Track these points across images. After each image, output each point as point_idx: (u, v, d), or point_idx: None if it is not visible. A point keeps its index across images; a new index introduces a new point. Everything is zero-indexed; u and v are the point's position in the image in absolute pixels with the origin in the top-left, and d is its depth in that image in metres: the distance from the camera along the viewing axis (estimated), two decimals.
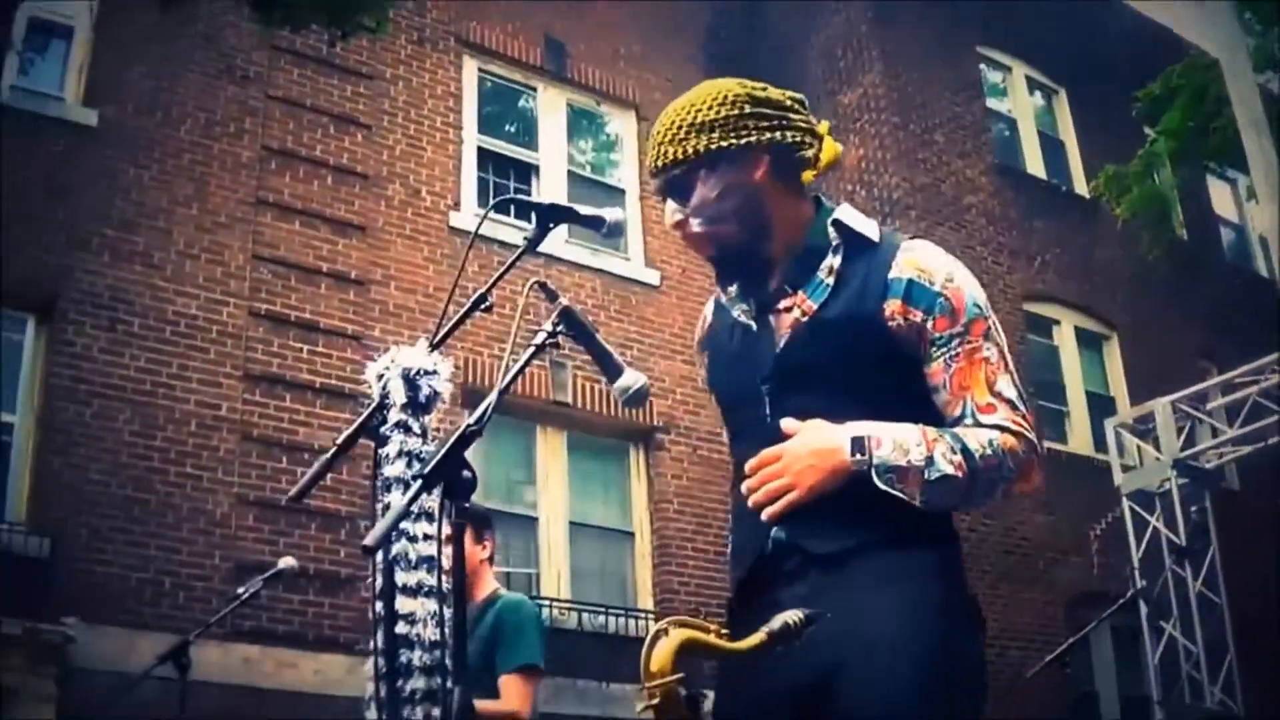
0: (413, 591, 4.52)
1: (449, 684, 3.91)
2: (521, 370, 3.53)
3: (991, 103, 23.41)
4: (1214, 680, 16.84)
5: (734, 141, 3.61)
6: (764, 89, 3.71)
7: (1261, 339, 18.34)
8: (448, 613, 4.00)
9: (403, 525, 4.27)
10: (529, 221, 3.90)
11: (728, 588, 3.82)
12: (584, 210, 3.85)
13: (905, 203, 20.58)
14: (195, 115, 15.71)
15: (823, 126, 3.81)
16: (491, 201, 16.50)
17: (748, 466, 3.48)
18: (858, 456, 3.34)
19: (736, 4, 21.62)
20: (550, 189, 18.25)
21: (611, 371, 3.68)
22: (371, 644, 4.48)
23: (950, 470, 3.34)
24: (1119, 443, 18.58)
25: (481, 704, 5.57)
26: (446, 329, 4.10)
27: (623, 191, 19.05)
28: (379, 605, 4.41)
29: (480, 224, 4.48)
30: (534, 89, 19.31)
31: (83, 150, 14.82)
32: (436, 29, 18.23)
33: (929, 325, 3.50)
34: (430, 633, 4.45)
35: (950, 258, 3.70)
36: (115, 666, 12.98)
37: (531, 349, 3.60)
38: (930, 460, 3.34)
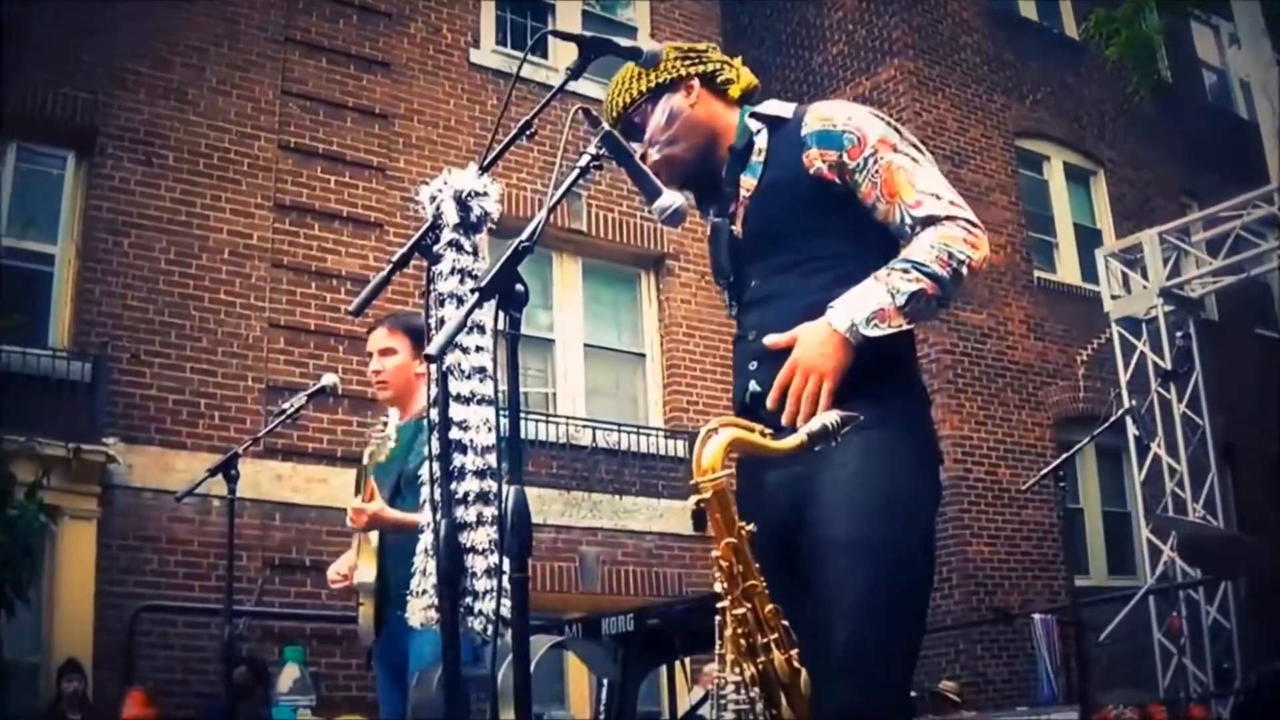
0: (466, 399, 4.51)
1: (500, 485, 3.93)
2: (569, 190, 3.62)
3: None
4: (1196, 497, 16.86)
5: (666, 76, 4.07)
6: (683, 44, 4.19)
7: (1240, 177, 18.24)
8: (501, 419, 4.00)
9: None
10: (545, 59, 3.97)
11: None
12: (623, 42, 3.88)
13: (903, 42, 20.34)
14: None
15: (737, 61, 4.22)
16: (529, 42, 16.10)
17: (772, 396, 3.62)
18: (846, 324, 3.57)
19: None
20: (566, 26, 17.97)
21: (651, 192, 3.69)
22: (427, 449, 4.42)
23: (914, 287, 3.59)
24: (1107, 271, 18.38)
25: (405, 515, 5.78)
26: (495, 153, 4.14)
27: (635, 29, 18.73)
28: (433, 413, 4.32)
29: (521, 63, 4.45)
30: None
31: None
32: None
33: (845, 158, 3.83)
34: (482, 438, 4.44)
35: (847, 103, 4.06)
36: (153, 484, 13.07)
37: (576, 170, 3.64)
38: (895, 291, 3.59)
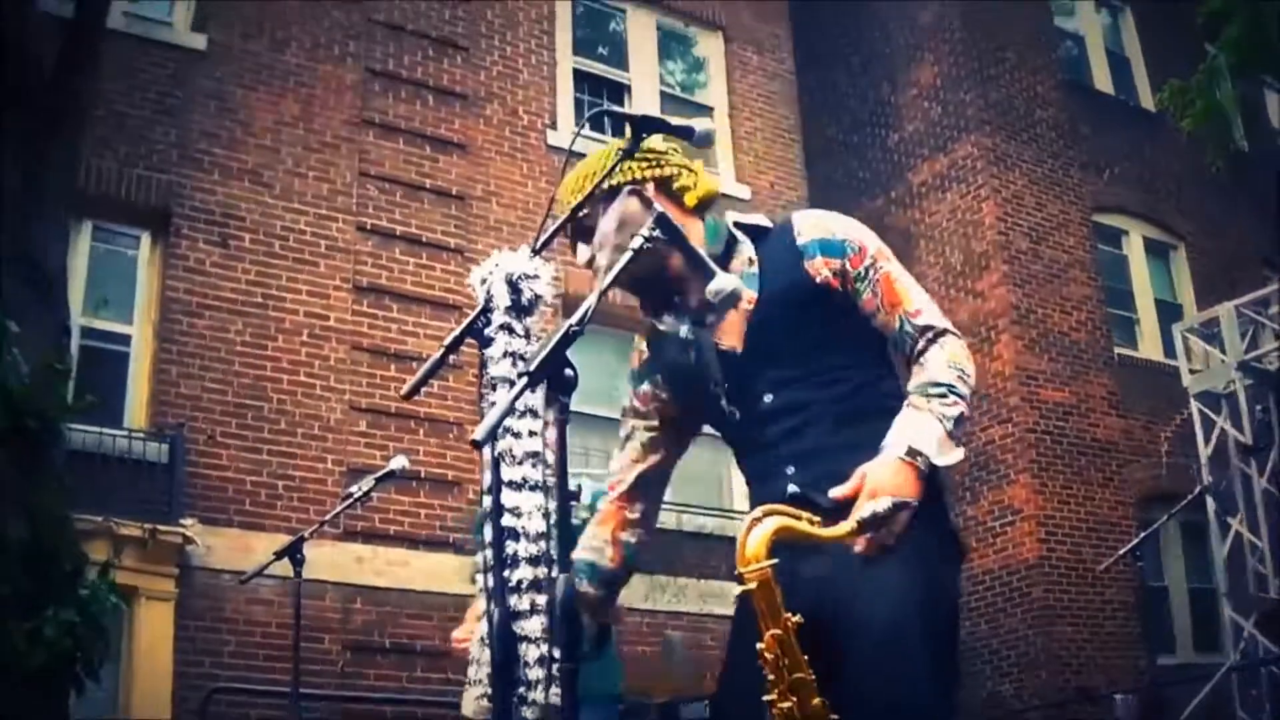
0: (518, 485, 4.38)
1: (553, 572, 3.77)
2: (621, 273, 3.52)
3: (1059, 21, 22.95)
4: (1278, 573, 16.52)
5: (620, 178, 3.96)
6: (647, 145, 4.01)
7: None
8: (552, 505, 4.08)
9: (508, 422, 4.17)
10: (619, 135, 3.95)
11: None
12: (675, 121, 3.86)
13: (979, 118, 20.22)
14: (300, 39, 15.58)
15: (698, 165, 4.13)
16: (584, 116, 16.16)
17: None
18: (916, 455, 3.54)
19: None
20: (643, 108, 17.93)
21: (705, 274, 3.61)
22: (481, 537, 4.30)
23: (956, 411, 3.65)
24: (1186, 346, 18.16)
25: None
26: (546, 236, 4.07)
27: (711, 109, 18.68)
28: (487, 500, 4.19)
29: (575, 137, 4.43)
30: (623, 11, 19.02)
31: (192, 73, 14.72)
32: None
33: (847, 266, 3.85)
34: (535, 525, 4.30)
35: (831, 213, 4.08)
36: (231, 566, 12.99)
37: (629, 253, 3.54)
38: (944, 418, 3.62)
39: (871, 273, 3.84)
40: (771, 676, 3.04)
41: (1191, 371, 18.15)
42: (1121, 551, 11.07)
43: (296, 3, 15.67)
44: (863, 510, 3.14)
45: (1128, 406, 19.83)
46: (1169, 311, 21.30)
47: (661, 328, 4.07)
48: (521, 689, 4.13)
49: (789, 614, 3.02)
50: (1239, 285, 19.85)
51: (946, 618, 3.66)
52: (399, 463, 7.90)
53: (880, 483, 3.44)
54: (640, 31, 18.93)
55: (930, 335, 3.79)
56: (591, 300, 3.30)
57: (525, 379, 3.29)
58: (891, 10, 21.95)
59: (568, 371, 3.26)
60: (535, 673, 4.15)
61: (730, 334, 3.91)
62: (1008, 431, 18.32)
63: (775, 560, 3.00)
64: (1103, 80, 22.84)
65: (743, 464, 4.04)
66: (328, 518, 8.69)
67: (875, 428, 3.67)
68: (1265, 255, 22.17)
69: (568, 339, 3.26)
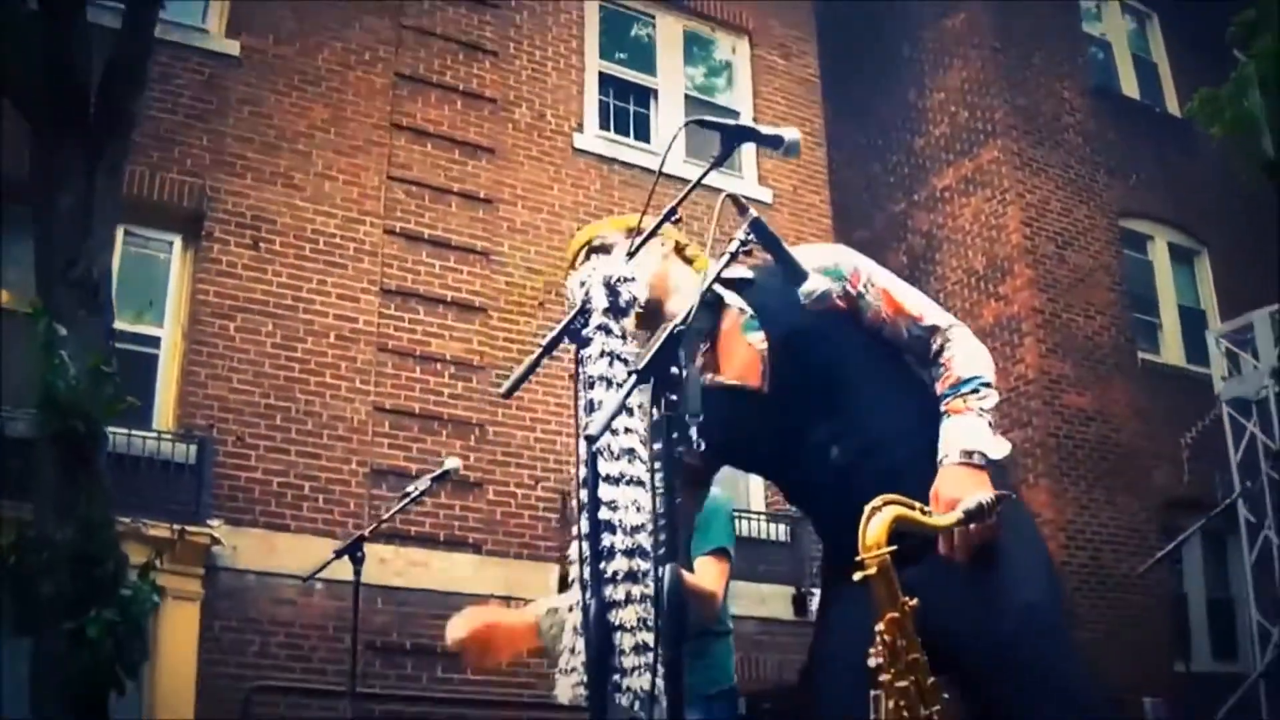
0: (615, 480, 4.50)
1: (649, 565, 4.14)
2: (718, 276, 3.69)
3: (1086, 27, 22.94)
4: None
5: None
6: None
7: None
8: (647, 499, 4.15)
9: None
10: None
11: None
12: (765, 130, 3.85)
13: (1006, 123, 20.29)
14: (331, 44, 15.66)
15: (695, 248, 4.45)
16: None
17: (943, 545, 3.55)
18: (972, 456, 3.64)
19: None
20: (668, 112, 18.10)
21: (797, 276, 3.76)
22: (575, 529, 4.44)
23: (991, 401, 3.76)
24: (1218, 352, 18.19)
25: (684, 576, 5.71)
26: (641, 239, 4.13)
27: (737, 113, 18.65)
28: (583, 493, 4.33)
29: (668, 151, 4.70)
30: (651, 16, 19.04)
31: (226, 78, 14.83)
32: None
33: (848, 287, 3.96)
34: (631, 518, 4.43)
35: (811, 245, 4.51)
36: (257, 567, 13.12)
37: (726, 256, 3.70)
38: (982, 412, 3.73)
39: (870, 288, 3.95)
40: (885, 659, 3.13)
41: (1223, 378, 18.17)
42: (1159, 555, 11.16)
43: (328, 8, 15.73)
44: (968, 502, 3.26)
45: (1150, 412, 19.87)
46: (1192, 317, 21.38)
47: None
48: (616, 676, 4.26)
49: (906, 598, 3.13)
50: (1263, 292, 19.89)
51: (1059, 594, 3.91)
52: (453, 464, 8.00)
53: (954, 494, 3.51)
54: (667, 35, 18.97)
55: (940, 334, 3.91)
56: (695, 301, 3.41)
57: (635, 376, 3.39)
58: (919, 15, 21.99)
59: (674, 370, 3.38)
60: (630, 660, 4.28)
61: (744, 372, 4.04)
62: (1028, 436, 18.37)
63: (894, 547, 3.09)
64: (1129, 86, 22.87)
65: (817, 524, 4.20)
66: (386, 517, 8.71)
67: (926, 428, 3.82)
68: None
69: (674, 338, 3.37)
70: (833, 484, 3.94)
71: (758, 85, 19.35)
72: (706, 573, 5.95)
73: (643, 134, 17.95)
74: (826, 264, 3.96)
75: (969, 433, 3.68)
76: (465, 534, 14.64)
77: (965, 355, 3.84)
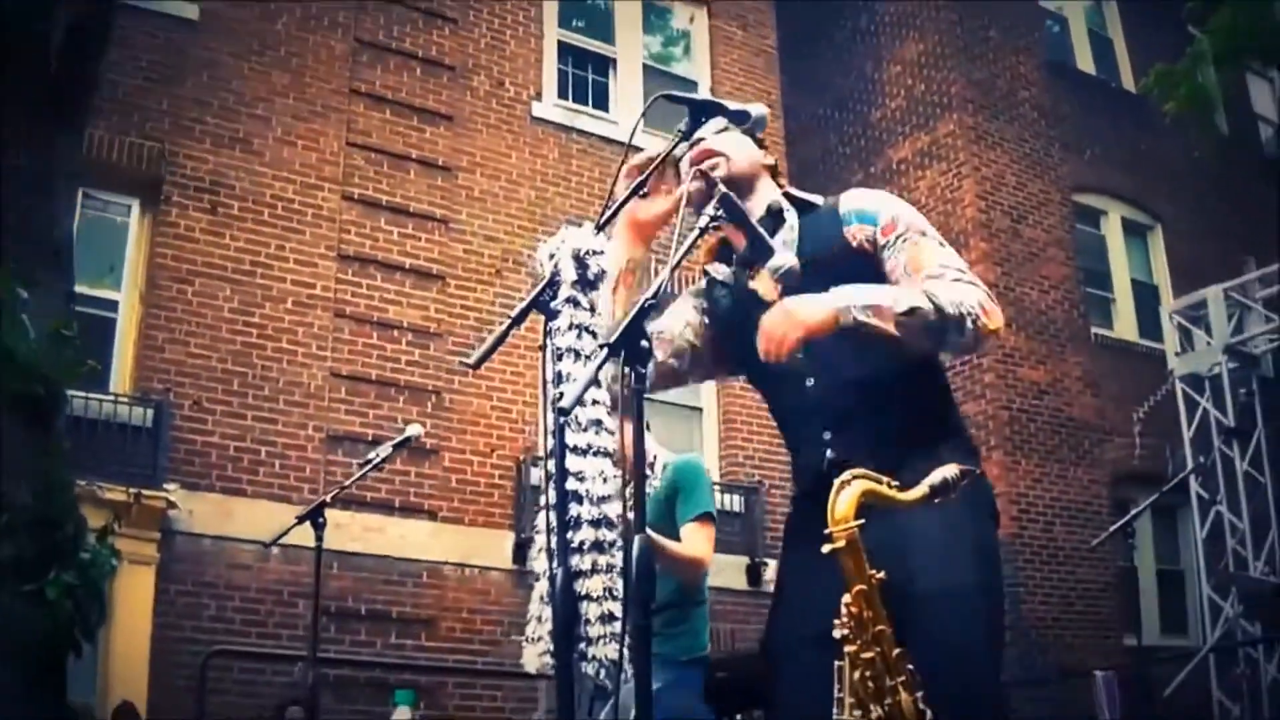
0: (582, 451, 4.56)
1: (615, 535, 4.21)
2: (689, 250, 3.67)
3: (1044, 2, 23.08)
4: (1258, 554, 16.77)
5: (758, 133, 4.32)
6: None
7: None
8: (613, 470, 4.26)
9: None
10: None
11: (788, 478, 3.99)
12: (733, 106, 4.09)
13: (962, 97, 20.40)
14: (291, 9, 15.64)
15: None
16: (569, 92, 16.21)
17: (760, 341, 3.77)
18: (842, 304, 3.73)
19: None
20: (626, 81, 18.14)
21: (764, 252, 3.80)
22: (543, 499, 4.51)
23: (917, 303, 3.74)
24: (1172, 328, 18.35)
25: (672, 545, 5.98)
26: (610, 212, 4.18)
27: (695, 84, 18.78)
28: (550, 464, 4.40)
29: (637, 124, 4.68)
30: None
31: (185, 42, 14.76)
32: None
33: (878, 235, 4.03)
34: (598, 488, 4.49)
35: (880, 192, 4.27)
36: (212, 531, 13.15)
37: (696, 230, 3.75)
38: (899, 299, 3.76)
39: (900, 241, 3.99)
40: (852, 630, 3.21)
41: (1177, 354, 18.33)
42: (1111, 529, 11.21)
43: None
44: (933, 477, 3.26)
45: (1102, 386, 20.04)
46: (1145, 293, 21.57)
47: (719, 276, 4.32)
48: (582, 645, 4.33)
49: (873, 571, 3.19)
50: (1215, 269, 20.03)
51: (996, 573, 3.89)
52: (414, 430, 8.03)
53: (800, 303, 3.73)
54: (626, 5, 18.96)
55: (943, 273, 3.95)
56: (664, 275, 3.41)
57: (605, 350, 3.44)
58: None
59: (643, 343, 3.41)
60: (596, 629, 4.35)
61: (769, 291, 4.06)
62: (981, 408, 18.48)
63: (862, 520, 3.15)
64: (1085, 61, 23.03)
65: (784, 432, 4.30)
66: (348, 483, 8.77)
67: (913, 386, 3.97)
68: (1241, 241, 22.37)
69: (643, 312, 3.42)
70: (803, 411, 4.11)
71: (715, 56, 19.39)
72: (694, 539, 6.15)
73: (601, 103, 17.99)
74: (865, 208, 4.09)
75: (864, 292, 3.76)
76: (421, 500, 14.70)
77: (949, 286, 3.85)
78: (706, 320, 4.35)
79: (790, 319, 3.71)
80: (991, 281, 19.16)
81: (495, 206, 16.28)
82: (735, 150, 4.21)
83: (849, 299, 3.72)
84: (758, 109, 4.11)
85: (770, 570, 15.87)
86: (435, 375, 15.10)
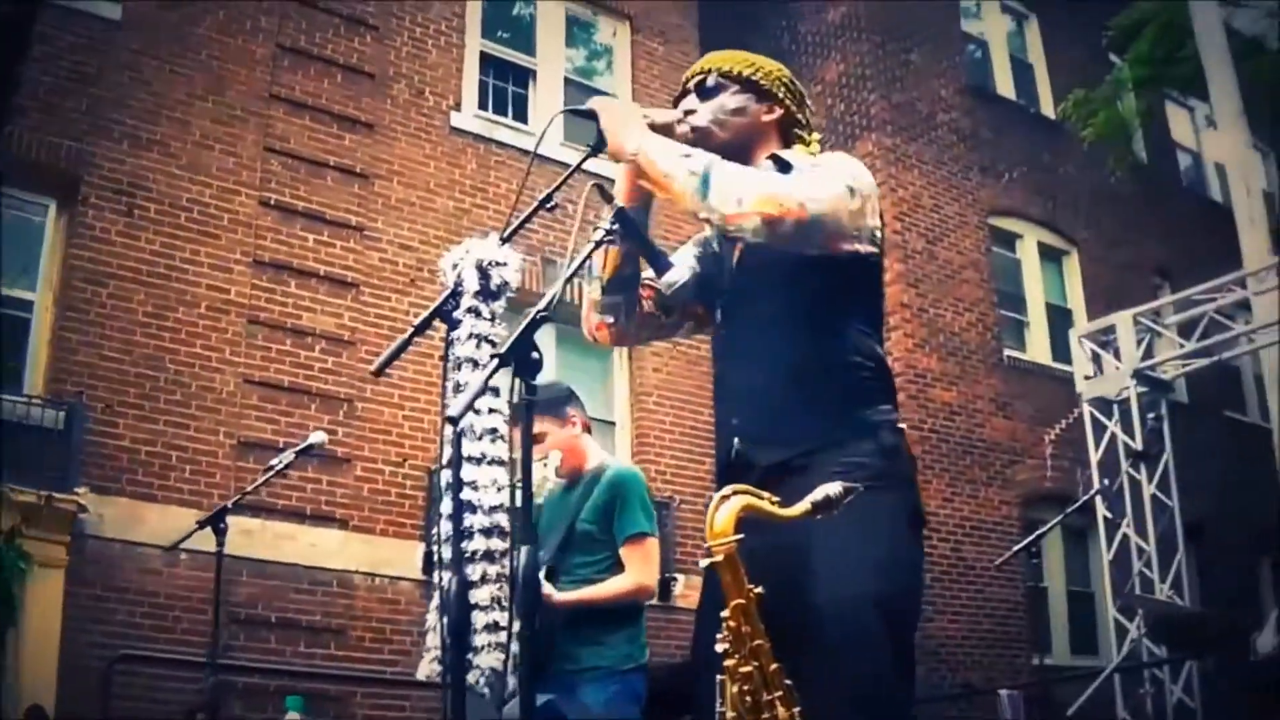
0: (476, 460, 4.64)
1: (506, 545, 4.10)
2: (583, 263, 3.75)
3: (966, 25, 23.35)
4: (1164, 577, 16.95)
5: (767, 83, 4.22)
6: (799, 86, 4.36)
7: (1213, 260, 18.40)
8: (506, 479, 4.16)
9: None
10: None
11: (703, 478, 4.00)
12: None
13: (881, 118, 20.60)
14: (214, 12, 15.61)
15: (815, 138, 4.32)
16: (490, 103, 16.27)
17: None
18: (634, 144, 3.81)
19: None
20: (546, 93, 18.25)
21: (660, 267, 3.87)
22: (440, 509, 4.60)
23: (676, 171, 3.75)
24: (1081, 352, 18.56)
25: (606, 590, 6.16)
26: (515, 225, 4.17)
27: (615, 97, 18.79)
28: (447, 474, 4.49)
29: (541, 137, 4.66)
30: None
31: (106, 42, 14.72)
32: None
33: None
34: (490, 498, 4.57)
35: (839, 154, 4.08)
36: (123, 536, 13.13)
37: (591, 244, 3.79)
38: (674, 162, 3.76)
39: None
40: (732, 644, 3.18)
41: (1086, 377, 18.54)
42: (1017, 548, 11.28)
43: None
44: (815, 494, 3.17)
45: (1014, 408, 20.28)
46: (1059, 316, 21.85)
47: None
48: (470, 655, 4.39)
49: (751, 586, 3.16)
50: (1129, 294, 20.29)
51: (904, 591, 3.74)
52: (318, 437, 8.03)
53: (609, 120, 3.84)
54: (549, 17, 19.09)
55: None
56: (557, 288, 3.46)
57: (496, 360, 3.42)
58: (799, 7, 22.26)
59: (534, 355, 3.43)
60: (482, 638, 4.43)
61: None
62: None
63: (741, 535, 3.12)
64: (1005, 86, 23.30)
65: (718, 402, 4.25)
66: (249, 489, 8.83)
67: (831, 381, 3.84)
68: (1156, 266, 22.70)
69: (535, 324, 3.43)
70: (725, 391, 4.21)
71: (636, 70, 19.51)
72: (631, 562, 6.25)
73: (520, 115, 18.08)
74: (808, 162, 3.96)
75: (659, 144, 3.82)
76: (332, 509, 14.73)
77: (741, 169, 3.80)
78: (699, 269, 4.26)
79: (613, 126, 3.84)
80: (906, 303, 19.38)
81: (412, 216, 16.34)
82: (713, 124, 4.11)
83: (642, 142, 3.80)
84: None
85: (680, 585, 16.02)
86: (348, 384, 15.12)
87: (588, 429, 6.68)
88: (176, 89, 15.07)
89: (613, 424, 17.59)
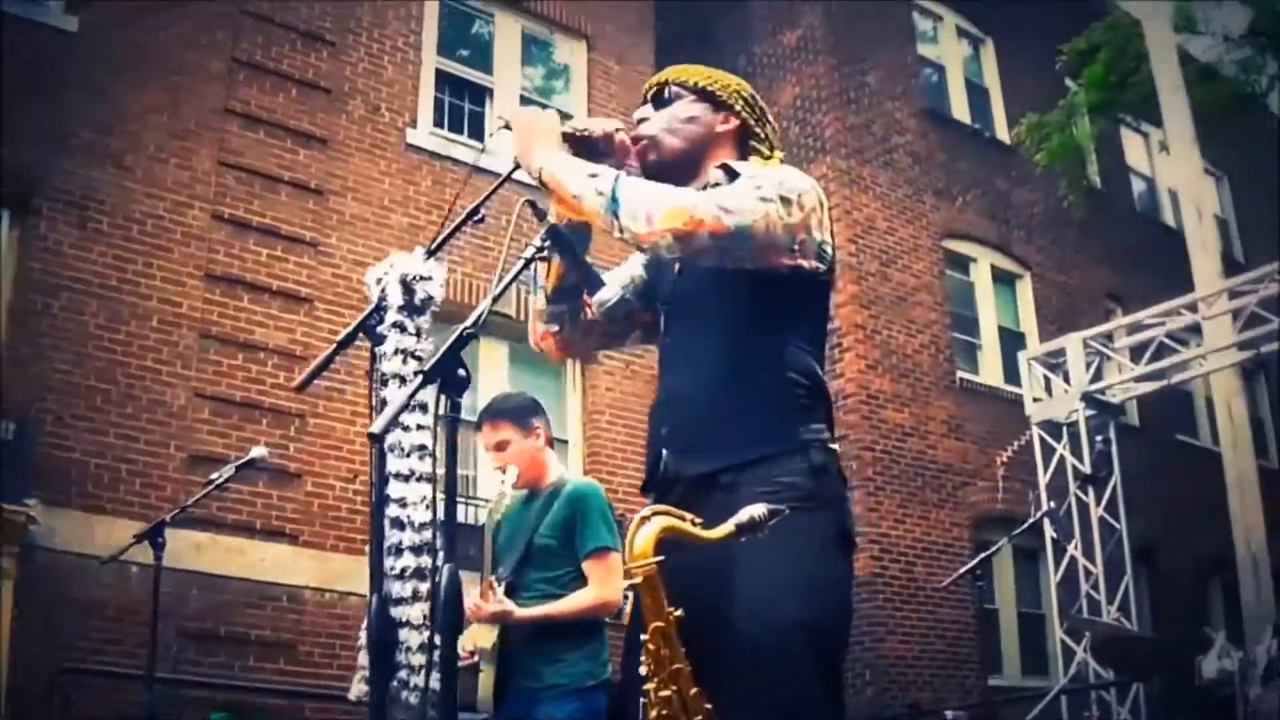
0: (405, 477, 4.65)
1: (436, 562, 4.08)
2: (513, 280, 3.73)
3: (922, 49, 23.51)
4: (1111, 600, 17.06)
5: (724, 94, 4.10)
6: (756, 99, 4.21)
7: (1164, 284, 18.57)
8: (435, 495, 4.14)
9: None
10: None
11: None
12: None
13: (836, 140, 20.73)
14: (171, 26, 15.56)
15: (777, 154, 4.17)
16: (489, 133, 16.40)
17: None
18: (541, 163, 3.74)
19: None
20: (503, 111, 18.24)
21: (594, 284, 3.94)
22: (372, 527, 4.62)
23: (584, 191, 3.66)
24: (1031, 375, 18.68)
25: (570, 605, 6.17)
26: (441, 238, 4.20)
27: (571, 116, 18.84)
28: (375, 492, 4.50)
29: (482, 150, 4.63)
30: (490, 15, 19.21)
31: (62, 55, 14.70)
32: None
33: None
34: (420, 515, 4.57)
35: (784, 167, 3.98)
36: (73, 548, 13.08)
37: (521, 261, 3.82)
38: (583, 183, 3.66)
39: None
40: (653, 666, 3.17)
41: (1035, 400, 18.63)
42: (962, 570, 11.24)
43: None
44: (740, 515, 3.14)
45: (966, 430, 20.42)
46: (1011, 339, 21.98)
47: None
48: (403, 673, 4.40)
49: (671, 609, 3.15)
50: (1081, 317, 20.50)
51: (830, 613, 3.63)
52: (258, 452, 8.06)
53: (518, 137, 3.81)
54: (506, 35, 19.18)
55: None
56: (485, 305, 3.48)
57: (421, 376, 3.40)
58: (756, 29, 22.39)
59: (460, 371, 3.41)
60: (418, 658, 4.43)
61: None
62: (845, 449, 18.60)
63: (661, 558, 3.09)
64: (960, 110, 23.48)
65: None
66: (188, 504, 8.86)
67: (762, 395, 3.75)
68: (1108, 290, 22.86)
69: (462, 341, 3.41)
70: (657, 401, 4.05)
71: (593, 90, 19.61)
72: (594, 577, 6.24)
73: (477, 132, 18.11)
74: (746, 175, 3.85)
75: (568, 164, 3.73)
76: (282, 524, 14.74)
77: (648, 189, 3.69)
78: (645, 276, 4.26)
79: (522, 144, 3.80)
80: (859, 324, 19.51)
81: (366, 231, 16.37)
82: (665, 132, 4.06)
83: (546, 162, 3.73)
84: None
85: (628, 603, 16.06)
86: (300, 399, 15.00)
87: (550, 443, 6.68)
88: (132, 102, 15.05)
89: (566, 442, 17.60)
